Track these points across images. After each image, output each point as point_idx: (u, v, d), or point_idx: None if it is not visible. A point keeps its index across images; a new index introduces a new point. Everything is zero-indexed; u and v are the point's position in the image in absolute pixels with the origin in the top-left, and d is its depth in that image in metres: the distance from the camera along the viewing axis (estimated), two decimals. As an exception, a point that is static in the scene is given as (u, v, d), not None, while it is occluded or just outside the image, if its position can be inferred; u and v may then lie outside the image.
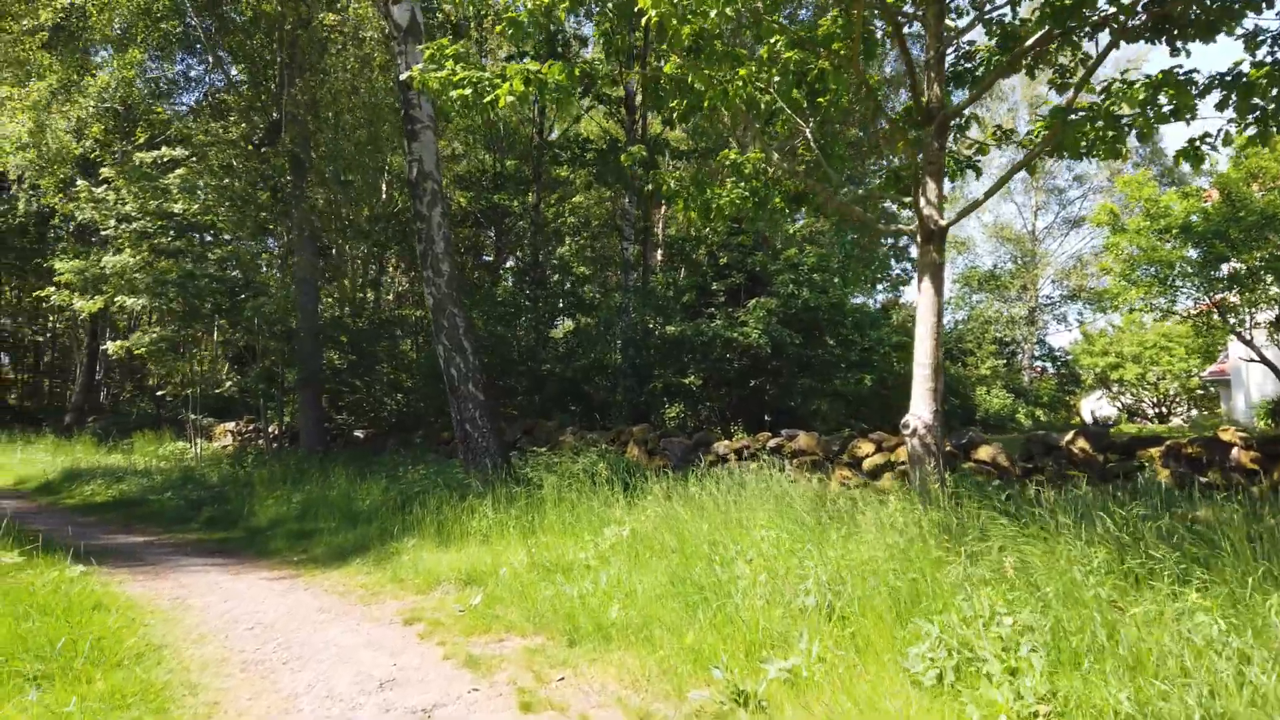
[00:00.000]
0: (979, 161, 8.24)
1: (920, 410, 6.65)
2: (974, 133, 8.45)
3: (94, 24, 14.58)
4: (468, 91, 7.22)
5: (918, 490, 6.50)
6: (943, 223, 6.81)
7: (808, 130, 8.31)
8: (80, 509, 12.21)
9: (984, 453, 9.94)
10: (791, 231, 18.65)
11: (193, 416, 16.77)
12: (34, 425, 22.24)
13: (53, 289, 15.84)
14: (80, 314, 16.02)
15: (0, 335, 28.43)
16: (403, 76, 7.87)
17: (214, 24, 16.19)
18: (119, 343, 16.13)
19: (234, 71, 16.25)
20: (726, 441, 12.34)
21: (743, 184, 9.60)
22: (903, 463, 10.64)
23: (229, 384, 16.56)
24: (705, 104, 8.48)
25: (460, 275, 11.42)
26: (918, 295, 6.83)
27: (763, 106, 8.27)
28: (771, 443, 11.76)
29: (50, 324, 28.29)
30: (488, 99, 7.01)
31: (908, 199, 7.81)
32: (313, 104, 14.73)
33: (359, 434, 16.61)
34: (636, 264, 20.90)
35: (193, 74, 19.21)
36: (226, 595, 6.63)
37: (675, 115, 9.05)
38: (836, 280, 15.44)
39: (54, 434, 19.21)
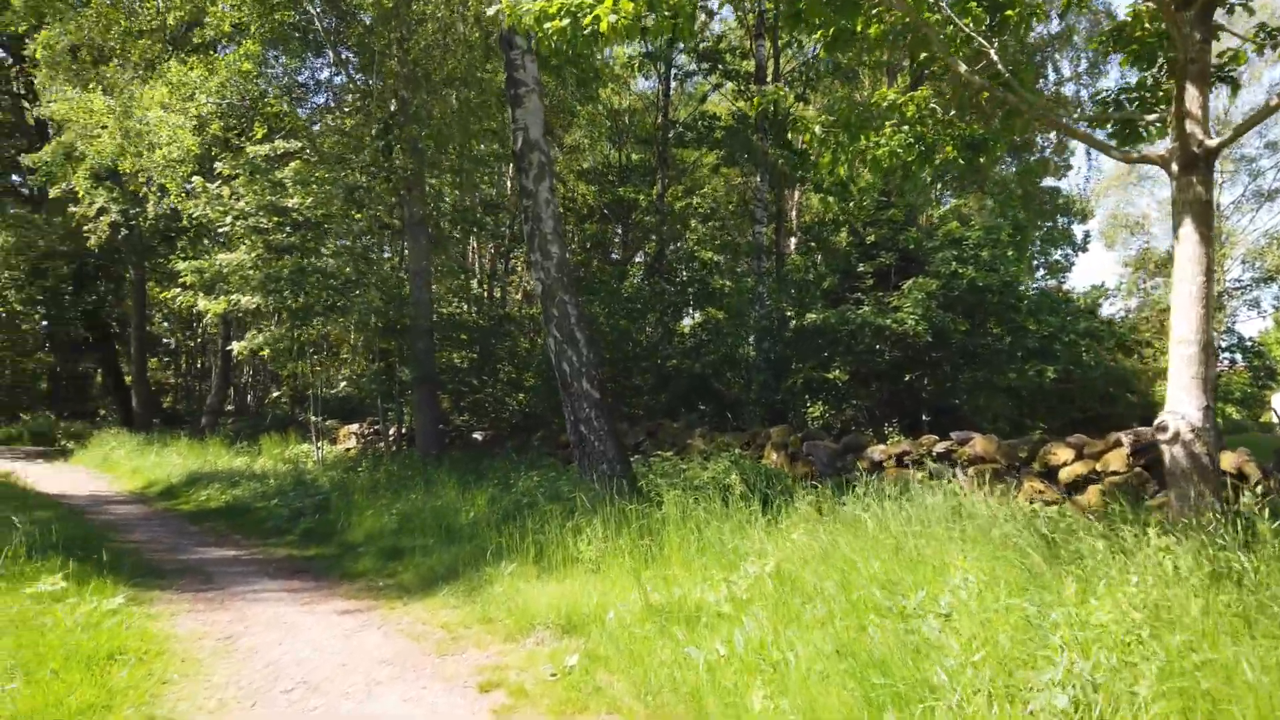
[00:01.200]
0: (1237, 72, 6.14)
1: (1184, 406, 4.73)
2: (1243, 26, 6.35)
3: (212, 17, 14.26)
4: (564, 23, 5.83)
5: (1182, 518, 4.60)
6: (1211, 143, 4.86)
7: (992, 50, 6.44)
8: (190, 515, 11.73)
9: (1226, 461, 7.74)
10: (942, 212, 16.40)
11: (314, 418, 16.33)
12: (181, 428, 22.82)
13: (177, 290, 15.72)
14: (205, 315, 15.81)
15: (154, 340, 29.67)
16: (491, 10, 6.57)
17: (334, 19, 15.72)
18: (241, 344, 15.88)
19: (347, 55, 15.69)
20: (881, 446, 10.50)
21: (905, 129, 7.83)
22: (1114, 474, 8.52)
23: (343, 384, 16.01)
24: (858, 24, 6.79)
25: (571, 263, 10.13)
26: (1175, 245, 4.91)
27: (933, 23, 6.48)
28: (939, 447, 9.85)
29: (200, 327, 29.31)
30: (587, 21, 5.59)
31: (1150, 117, 5.83)
32: (420, 80, 13.88)
33: (478, 436, 15.70)
34: (769, 250, 19.16)
35: (315, 74, 18.93)
36: (285, 634, 5.50)
37: (820, 47, 7.33)
38: (1011, 253, 13.19)
39: (189, 436, 19.40)
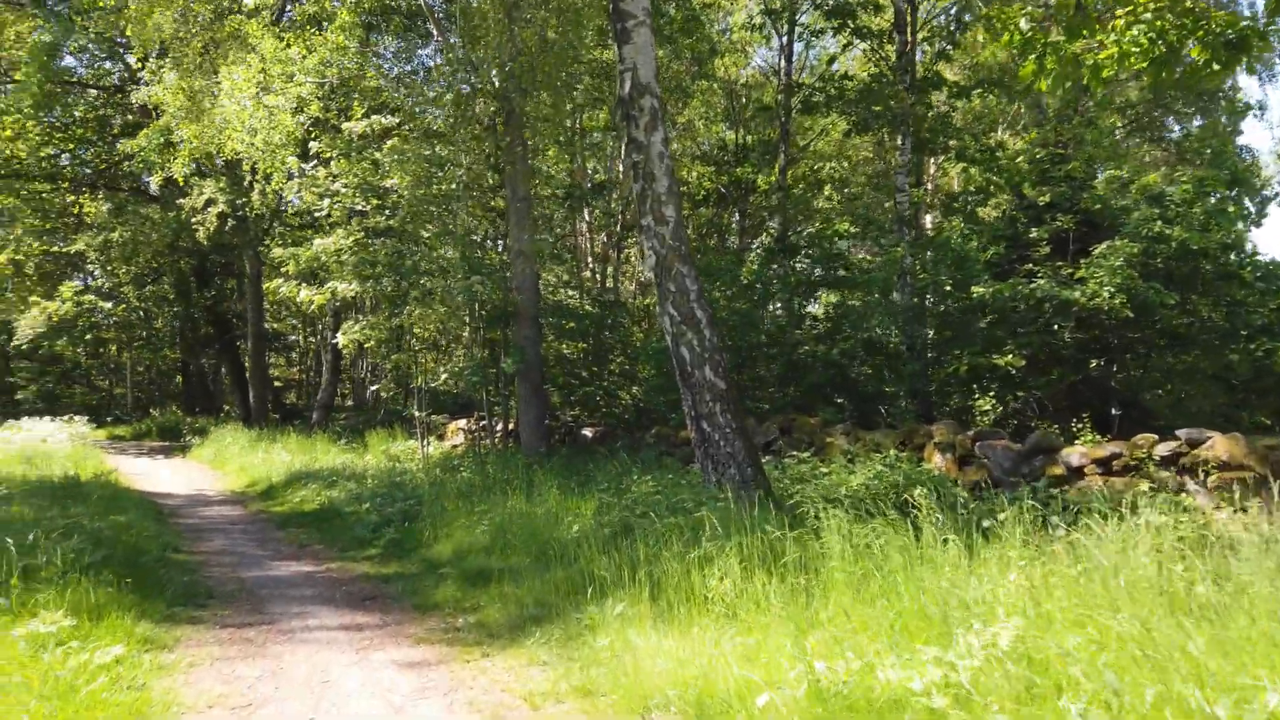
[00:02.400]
0: None
1: None
2: None
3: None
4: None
5: None
6: None
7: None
8: (280, 520, 10.82)
9: None
10: (1124, 173, 13.79)
11: (417, 413, 15.37)
12: (296, 423, 22.58)
13: (280, 281, 15.08)
14: (306, 305, 15.10)
15: (275, 335, 29.98)
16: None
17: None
18: (345, 335, 15.10)
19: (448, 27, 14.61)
20: (1080, 447, 8.42)
21: (1138, 27, 5.84)
22: None
23: (444, 376, 14.97)
24: None
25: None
26: None
27: None
28: (1161, 449, 7.72)
29: (321, 322, 29.39)
30: None
31: None
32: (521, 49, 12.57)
33: (587, 432, 14.32)
34: (909, 223, 17.00)
35: (415, 52, 18.11)
36: (320, 699, 4.15)
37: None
38: (1231, 210, 10.71)
39: (297, 432, 18.92)
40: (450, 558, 7.47)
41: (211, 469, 17.61)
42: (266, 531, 9.94)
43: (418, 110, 14.32)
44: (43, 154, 21.73)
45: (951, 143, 18.27)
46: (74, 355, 29.91)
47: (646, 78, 8.30)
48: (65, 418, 19.86)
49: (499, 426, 15.23)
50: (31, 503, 9.36)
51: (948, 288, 11.72)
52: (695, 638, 4.45)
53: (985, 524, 5.06)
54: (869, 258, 14.93)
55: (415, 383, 15.63)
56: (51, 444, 17.75)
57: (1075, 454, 8.23)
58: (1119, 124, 20.16)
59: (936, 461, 9.29)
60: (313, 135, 13.94)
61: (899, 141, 16.64)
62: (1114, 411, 11.49)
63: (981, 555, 4.67)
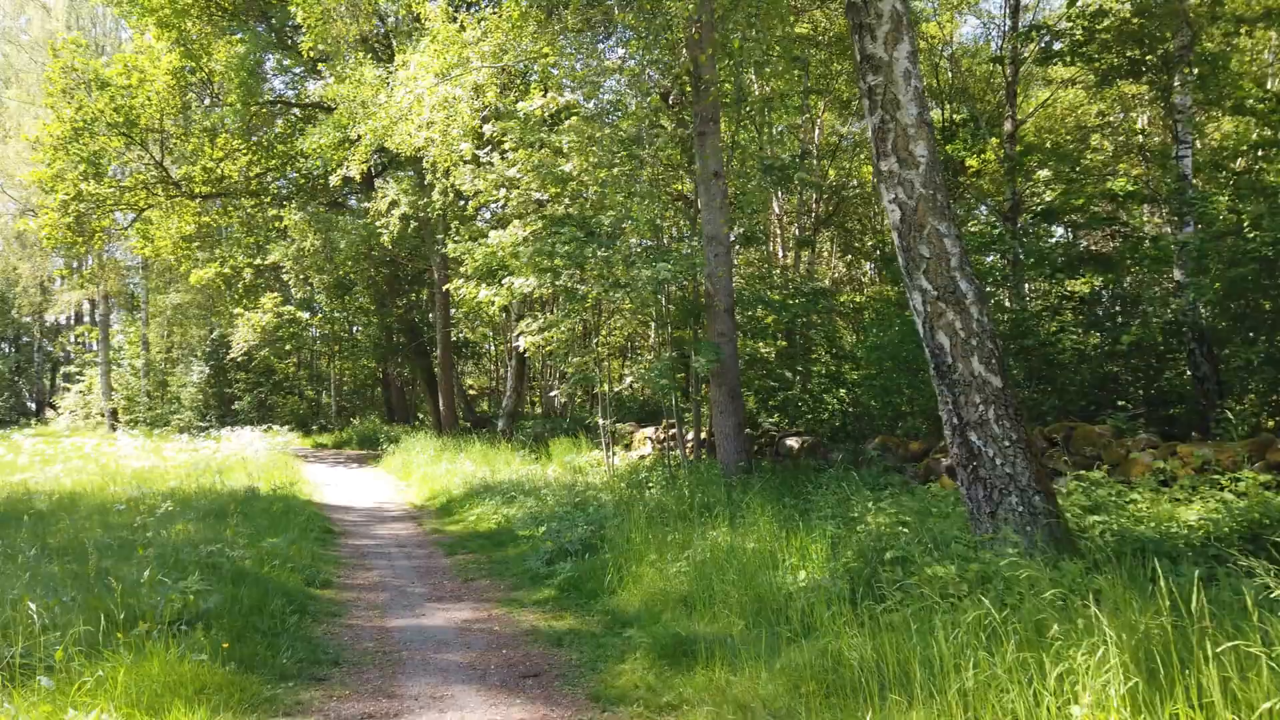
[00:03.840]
0: None
1: None
2: None
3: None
4: None
5: None
6: None
7: None
8: (451, 543, 9.60)
9: None
10: None
11: (602, 421, 13.97)
12: (484, 431, 22.04)
13: (460, 282, 14.15)
14: (487, 306, 14.10)
15: (465, 342, 30.01)
16: None
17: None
18: (528, 338, 13.97)
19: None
20: None
21: None
22: None
23: (629, 379, 13.42)
24: None
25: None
26: None
27: None
28: None
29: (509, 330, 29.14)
30: None
31: None
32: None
33: (792, 443, 12.27)
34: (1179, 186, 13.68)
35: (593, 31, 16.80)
36: None
37: None
38: None
39: (483, 441, 18.14)
40: (639, 611, 5.73)
41: (397, 479, 17.12)
42: (433, 558, 8.70)
43: (598, 84, 12.90)
44: (253, 173, 22.55)
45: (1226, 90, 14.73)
46: (285, 367, 31.40)
47: (885, -26, 6.23)
48: (264, 427, 20.19)
49: (689, 436, 13.51)
50: (193, 522, 8.62)
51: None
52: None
53: None
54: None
55: (599, 388, 14.23)
56: (250, 454, 17.99)
57: None
58: None
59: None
60: (489, 120, 12.84)
61: (1175, 84, 13.40)
62: None
63: None
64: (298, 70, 21.77)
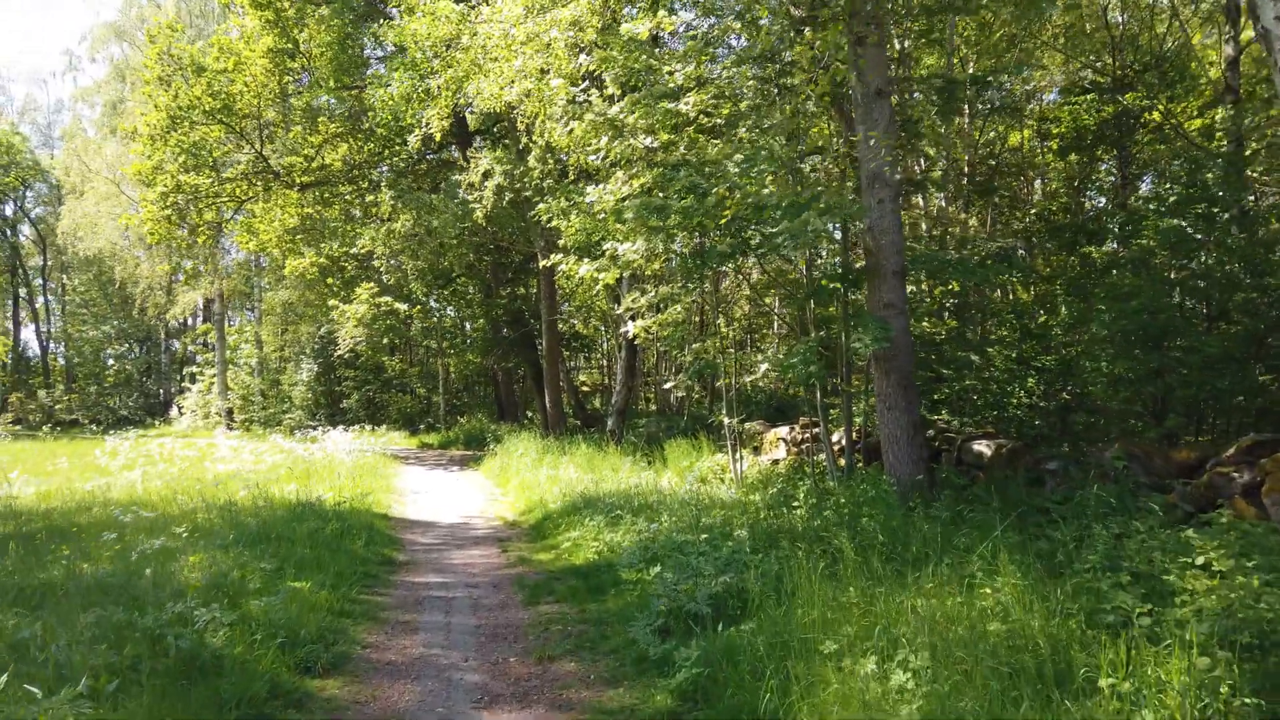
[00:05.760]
0: None
1: None
2: None
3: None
4: None
5: None
6: None
7: None
8: (536, 583, 7.28)
9: None
10: None
11: (726, 419, 11.42)
12: (594, 430, 19.84)
13: (559, 256, 11.91)
14: (590, 284, 11.83)
15: (572, 337, 28.01)
16: None
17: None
18: (636, 324, 11.60)
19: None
20: None
21: None
22: None
23: (764, 367, 10.77)
24: None
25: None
26: None
27: None
28: None
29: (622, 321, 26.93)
30: None
31: None
32: None
33: (981, 448, 9.26)
34: None
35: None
36: None
37: None
38: None
39: (590, 442, 15.88)
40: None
41: (493, 486, 15.11)
42: (507, 609, 6.39)
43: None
44: (357, 158, 21.19)
45: None
46: (393, 364, 30.23)
47: None
48: (360, 427, 18.58)
49: (837, 438, 10.73)
50: (214, 551, 6.64)
51: None
52: None
53: None
54: None
55: (722, 380, 11.66)
56: (341, 456, 16.43)
57: None
58: None
59: None
60: (588, 51, 10.50)
61: None
62: None
63: None
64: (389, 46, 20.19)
